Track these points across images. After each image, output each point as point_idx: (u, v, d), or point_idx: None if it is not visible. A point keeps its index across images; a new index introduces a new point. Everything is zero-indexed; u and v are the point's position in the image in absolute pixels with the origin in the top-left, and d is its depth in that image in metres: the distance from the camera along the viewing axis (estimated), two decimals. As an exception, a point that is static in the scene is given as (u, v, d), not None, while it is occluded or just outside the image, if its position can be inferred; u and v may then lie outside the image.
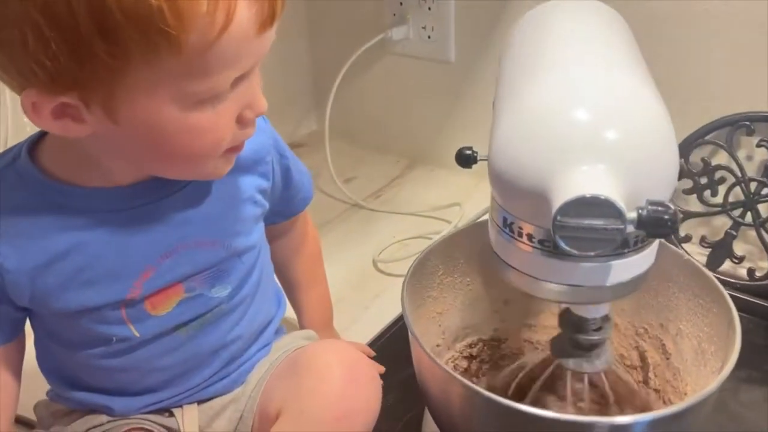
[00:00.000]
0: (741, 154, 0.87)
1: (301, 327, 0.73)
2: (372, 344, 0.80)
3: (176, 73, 0.40)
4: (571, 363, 0.54)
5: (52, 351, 0.56)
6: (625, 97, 0.46)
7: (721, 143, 0.87)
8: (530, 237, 0.47)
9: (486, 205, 0.94)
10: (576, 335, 0.53)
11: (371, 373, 0.57)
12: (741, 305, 0.56)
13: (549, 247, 0.47)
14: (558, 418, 0.47)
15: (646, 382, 0.65)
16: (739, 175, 0.86)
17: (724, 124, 0.87)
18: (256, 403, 0.58)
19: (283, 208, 0.65)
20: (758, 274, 0.86)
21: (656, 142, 0.45)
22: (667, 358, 0.62)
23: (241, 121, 0.46)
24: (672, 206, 0.42)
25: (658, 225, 0.41)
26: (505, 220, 0.49)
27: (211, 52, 0.40)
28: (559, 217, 0.41)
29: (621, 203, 0.41)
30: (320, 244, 0.75)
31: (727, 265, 0.89)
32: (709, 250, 0.89)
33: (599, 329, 0.53)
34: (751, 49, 0.83)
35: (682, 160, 0.89)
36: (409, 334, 0.54)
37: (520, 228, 0.48)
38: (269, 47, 0.45)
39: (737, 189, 0.87)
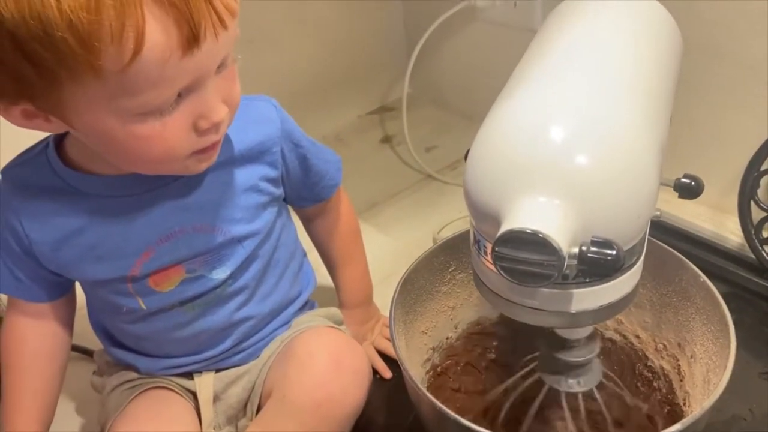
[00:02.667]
0: None
1: (339, 303, 0.77)
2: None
3: (104, 92, 0.44)
4: (554, 381, 0.53)
5: (95, 310, 0.65)
6: (603, 125, 0.42)
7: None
8: (493, 257, 0.46)
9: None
10: (557, 354, 0.52)
11: (356, 365, 0.60)
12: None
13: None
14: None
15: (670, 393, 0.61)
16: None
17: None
18: (264, 377, 0.64)
19: (309, 194, 0.68)
20: None
21: (627, 179, 0.42)
22: (681, 380, 0.59)
23: (198, 130, 0.49)
24: (616, 247, 0.39)
25: (597, 266, 0.39)
26: (474, 236, 0.48)
27: (130, 74, 0.43)
28: (497, 248, 0.41)
29: (559, 242, 0.39)
30: (357, 224, 0.77)
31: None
32: (793, 254, 0.80)
33: (583, 348, 0.52)
34: None
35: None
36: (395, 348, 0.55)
37: (485, 247, 0.47)
38: (218, 59, 0.47)
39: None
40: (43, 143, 0.57)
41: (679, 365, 0.59)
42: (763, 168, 0.81)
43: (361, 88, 1.31)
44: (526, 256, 0.40)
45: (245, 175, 0.59)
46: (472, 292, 0.67)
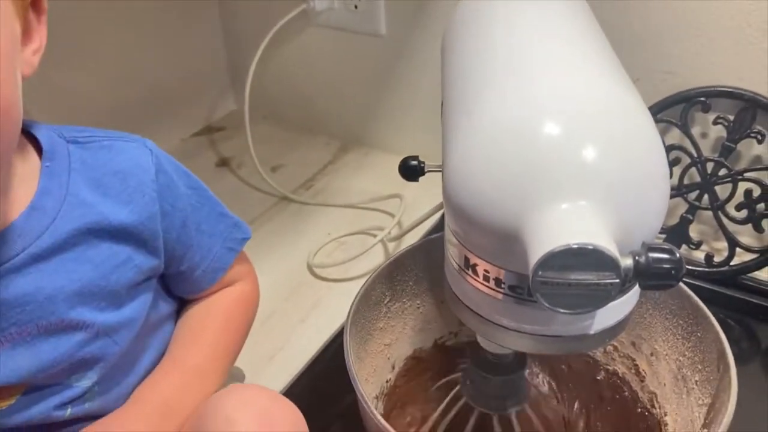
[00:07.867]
0: (696, 132, 0.82)
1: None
2: (311, 368, 0.71)
3: None
4: (484, 405, 0.49)
5: None
6: (608, 110, 0.37)
7: (675, 121, 0.81)
8: (498, 282, 0.39)
9: (428, 195, 0.86)
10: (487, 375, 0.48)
11: (289, 418, 0.45)
12: (700, 295, 0.50)
13: (521, 294, 0.38)
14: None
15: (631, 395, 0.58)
16: (695, 155, 0.81)
17: (678, 101, 0.80)
18: None
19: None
20: (717, 259, 0.81)
21: (649, 164, 0.37)
22: (641, 381, 0.56)
23: None
24: (676, 251, 0.34)
25: (660, 277, 0.33)
26: (466, 260, 0.40)
27: None
28: (540, 272, 0.33)
29: (614, 251, 0.32)
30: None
31: (683, 251, 0.84)
32: (664, 235, 0.84)
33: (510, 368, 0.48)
34: (706, 20, 0.76)
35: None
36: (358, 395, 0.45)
37: (486, 271, 0.39)
38: None
39: (693, 170, 0.81)
40: None
41: (637, 365, 0.56)
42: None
43: (180, 107, 1.15)
44: (576, 278, 0.33)
45: (109, 248, 0.43)
46: (406, 323, 0.58)
